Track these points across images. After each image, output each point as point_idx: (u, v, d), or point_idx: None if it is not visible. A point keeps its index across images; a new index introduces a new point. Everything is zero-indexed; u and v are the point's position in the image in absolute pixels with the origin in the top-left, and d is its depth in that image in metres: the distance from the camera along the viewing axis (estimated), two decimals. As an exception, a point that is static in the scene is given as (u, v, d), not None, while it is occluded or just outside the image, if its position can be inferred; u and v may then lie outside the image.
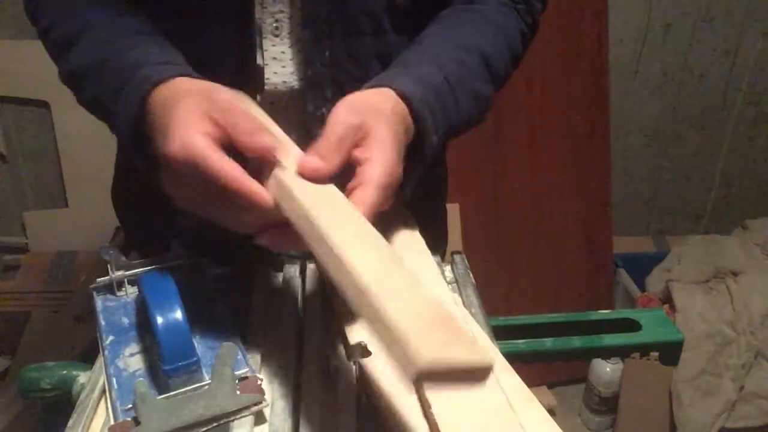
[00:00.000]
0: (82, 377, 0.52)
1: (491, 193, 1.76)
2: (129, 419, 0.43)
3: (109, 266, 0.55)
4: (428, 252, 0.57)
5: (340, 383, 0.48)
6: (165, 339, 0.44)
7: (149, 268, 0.55)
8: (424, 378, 0.29)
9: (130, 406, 0.44)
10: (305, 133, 0.64)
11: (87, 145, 1.76)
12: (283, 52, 0.61)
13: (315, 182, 0.46)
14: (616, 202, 2.03)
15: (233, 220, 0.47)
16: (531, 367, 0.56)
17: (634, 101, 1.97)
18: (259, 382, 0.46)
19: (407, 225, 0.59)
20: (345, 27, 0.60)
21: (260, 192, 0.44)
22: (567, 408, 1.86)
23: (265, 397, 0.46)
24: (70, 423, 0.46)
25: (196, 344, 0.46)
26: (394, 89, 0.52)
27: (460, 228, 1.71)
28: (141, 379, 0.46)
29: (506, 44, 0.63)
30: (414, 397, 0.44)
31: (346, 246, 0.38)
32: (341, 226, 0.41)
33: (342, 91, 0.62)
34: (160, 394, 0.45)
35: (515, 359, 0.50)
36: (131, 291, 0.56)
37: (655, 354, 0.62)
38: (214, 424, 0.44)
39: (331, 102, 0.62)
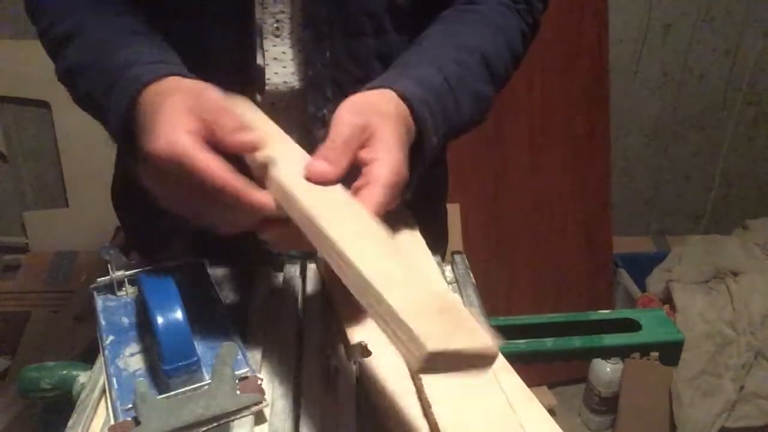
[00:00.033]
0: (82, 377, 0.52)
1: (491, 193, 1.76)
2: (129, 419, 0.43)
3: (109, 266, 0.55)
4: (429, 252, 0.57)
5: (340, 383, 0.48)
6: (165, 339, 0.44)
7: (149, 268, 0.55)
8: (429, 366, 0.29)
9: (130, 406, 0.44)
10: (306, 133, 0.64)
11: (87, 145, 1.76)
12: (283, 53, 0.61)
13: (322, 186, 0.45)
14: (616, 202, 2.03)
15: (219, 219, 0.46)
16: (531, 367, 0.56)
17: (634, 101, 1.97)
18: (259, 382, 0.46)
19: (407, 225, 0.59)
20: (345, 27, 0.60)
21: (246, 189, 0.44)
22: (567, 408, 1.86)
23: (265, 397, 0.46)
24: (70, 423, 0.46)
25: (196, 344, 0.46)
26: (395, 90, 0.52)
27: (461, 228, 1.71)
28: (141, 379, 0.46)
29: (506, 44, 0.63)
30: (414, 397, 0.45)
31: (349, 240, 0.38)
32: (345, 223, 0.41)
33: (343, 91, 0.62)
34: (160, 394, 0.45)
35: (515, 359, 0.50)
36: (131, 291, 0.56)
37: (655, 354, 0.62)
38: (214, 424, 0.44)
39: (332, 102, 0.62)
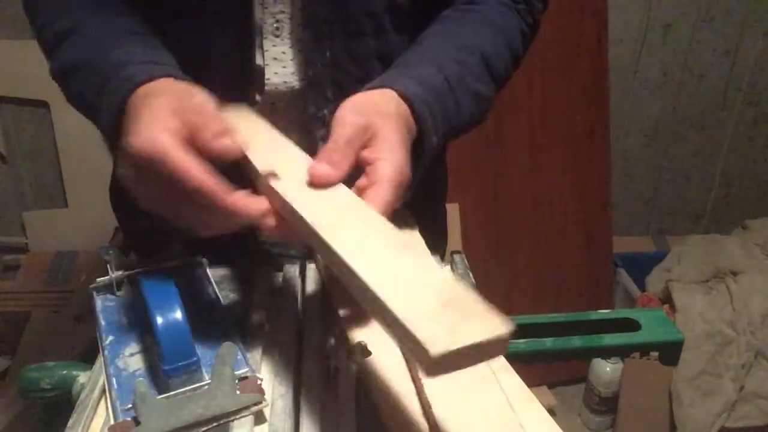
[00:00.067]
0: (82, 377, 0.52)
1: (491, 193, 1.76)
2: (129, 419, 0.43)
3: (109, 266, 0.55)
4: (428, 252, 0.57)
5: (340, 383, 0.48)
6: (165, 339, 0.44)
7: (149, 268, 0.55)
8: (440, 368, 0.29)
9: (130, 406, 0.44)
10: (306, 133, 0.64)
11: (86, 145, 1.76)
12: (283, 53, 0.61)
13: (325, 188, 0.45)
14: (616, 202, 2.03)
15: (196, 221, 0.46)
16: (531, 367, 0.56)
17: (634, 101, 1.97)
18: (259, 382, 0.46)
19: (407, 225, 0.59)
20: (345, 27, 0.60)
21: (222, 192, 0.43)
22: (567, 408, 1.86)
23: (265, 397, 0.46)
24: (70, 423, 0.46)
25: (195, 344, 0.46)
26: (396, 90, 0.52)
27: (460, 228, 1.71)
28: (141, 379, 0.46)
29: (507, 44, 0.63)
30: (414, 398, 0.45)
31: (353, 250, 0.37)
32: (350, 228, 0.40)
33: (343, 91, 0.62)
34: (160, 394, 0.45)
35: (515, 359, 0.50)
36: (131, 291, 0.55)
37: (655, 354, 0.61)
38: (214, 424, 0.44)
39: (332, 102, 0.62)
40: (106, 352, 0.50)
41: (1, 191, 1.89)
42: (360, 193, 0.46)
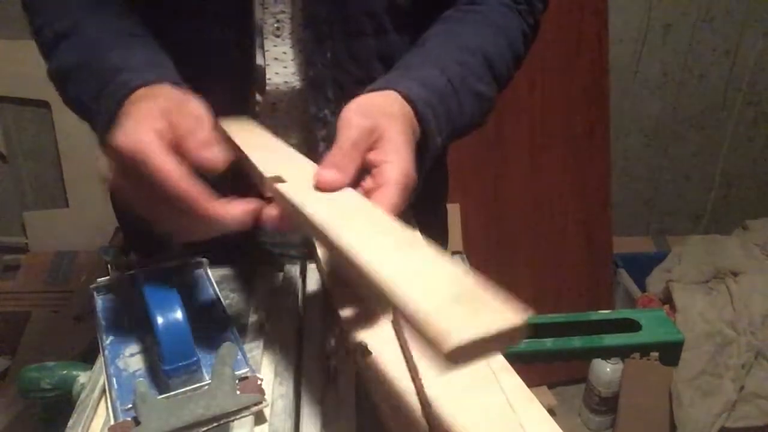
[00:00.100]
0: (82, 377, 0.52)
1: (492, 194, 1.76)
2: (129, 419, 0.43)
3: (109, 266, 0.55)
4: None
5: (340, 383, 0.48)
6: (165, 339, 0.44)
7: (149, 268, 0.55)
8: (457, 358, 0.29)
9: (130, 406, 0.44)
10: (307, 133, 0.64)
11: (87, 145, 1.76)
12: (284, 53, 0.61)
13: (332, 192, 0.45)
14: (616, 202, 2.03)
15: (176, 225, 0.45)
16: (531, 367, 0.56)
17: (634, 101, 1.97)
18: (259, 382, 0.46)
19: (407, 225, 0.59)
20: (346, 27, 0.60)
21: (202, 198, 0.42)
22: (567, 408, 1.86)
23: (265, 397, 0.46)
24: (70, 423, 0.46)
25: (195, 344, 0.46)
26: (399, 92, 0.52)
27: (461, 228, 1.71)
28: (141, 379, 0.46)
29: (508, 45, 0.63)
30: (414, 398, 0.45)
31: (363, 246, 0.37)
32: (358, 227, 0.40)
33: (343, 92, 0.62)
34: (160, 394, 0.45)
35: (515, 359, 0.50)
36: (131, 291, 0.55)
37: (655, 354, 0.61)
38: (214, 424, 0.44)
39: (333, 103, 0.62)
40: (106, 352, 0.50)
41: (2, 191, 1.89)
42: (366, 195, 0.45)
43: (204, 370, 0.46)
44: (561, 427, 0.41)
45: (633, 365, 1.65)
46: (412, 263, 0.36)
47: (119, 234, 1.66)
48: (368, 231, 0.39)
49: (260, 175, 0.47)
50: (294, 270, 0.62)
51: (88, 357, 0.53)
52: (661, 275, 1.81)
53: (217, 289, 0.56)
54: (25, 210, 1.90)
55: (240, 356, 0.48)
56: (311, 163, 0.50)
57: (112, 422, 0.44)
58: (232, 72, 0.60)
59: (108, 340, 0.51)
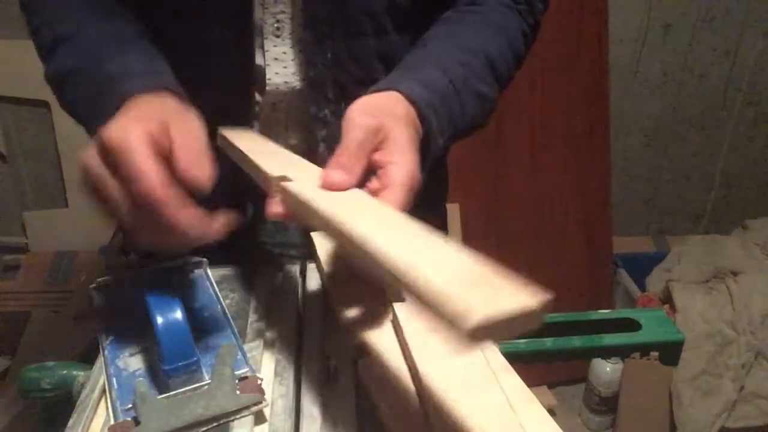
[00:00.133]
0: (82, 377, 0.52)
1: (492, 194, 1.76)
2: (129, 419, 0.43)
3: (108, 266, 0.55)
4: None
5: (340, 383, 0.48)
6: (165, 339, 0.44)
7: (149, 268, 0.55)
8: (478, 335, 0.29)
9: (130, 406, 0.44)
10: (307, 133, 0.64)
11: (87, 145, 1.75)
12: (284, 53, 0.61)
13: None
14: (616, 202, 2.03)
15: (147, 233, 0.44)
16: (531, 367, 0.56)
17: (634, 101, 1.97)
18: (259, 382, 0.46)
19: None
20: (346, 27, 0.60)
21: (174, 204, 0.41)
22: (567, 408, 1.86)
23: (265, 397, 0.46)
24: (70, 423, 0.46)
25: (195, 344, 0.46)
26: (401, 93, 0.52)
27: (461, 228, 1.71)
28: (141, 379, 0.46)
29: (509, 45, 0.63)
30: (415, 397, 0.45)
31: (378, 232, 0.37)
32: (370, 217, 0.40)
33: (344, 92, 0.62)
34: (160, 394, 0.45)
35: (515, 359, 0.50)
36: (131, 291, 0.55)
37: (655, 354, 0.61)
38: (214, 424, 0.44)
39: (333, 103, 0.62)
40: (106, 352, 0.50)
41: (2, 191, 1.89)
42: (374, 196, 0.45)
43: (204, 370, 0.46)
44: (561, 427, 0.41)
45: (633, 365, 1.65)
46: (428, 250, 0.36)
47: (119, 234, 1.66)
48: (380, 224, 0.39)
49: (265, 175, 0.47)
50: (294, 270, 0.62)
51: (88, 357, 0.53)
52: (661, 275, 1.81)
53: (217, 289, 0.56)
54: (25, 210, 1.90)
55: (240, 356, 0.48)
56: (315, 166, 0.50)
57: (112, 422, 0.44)
58: (232, 72, 0.60)
59: (108, 340, 0.51)
